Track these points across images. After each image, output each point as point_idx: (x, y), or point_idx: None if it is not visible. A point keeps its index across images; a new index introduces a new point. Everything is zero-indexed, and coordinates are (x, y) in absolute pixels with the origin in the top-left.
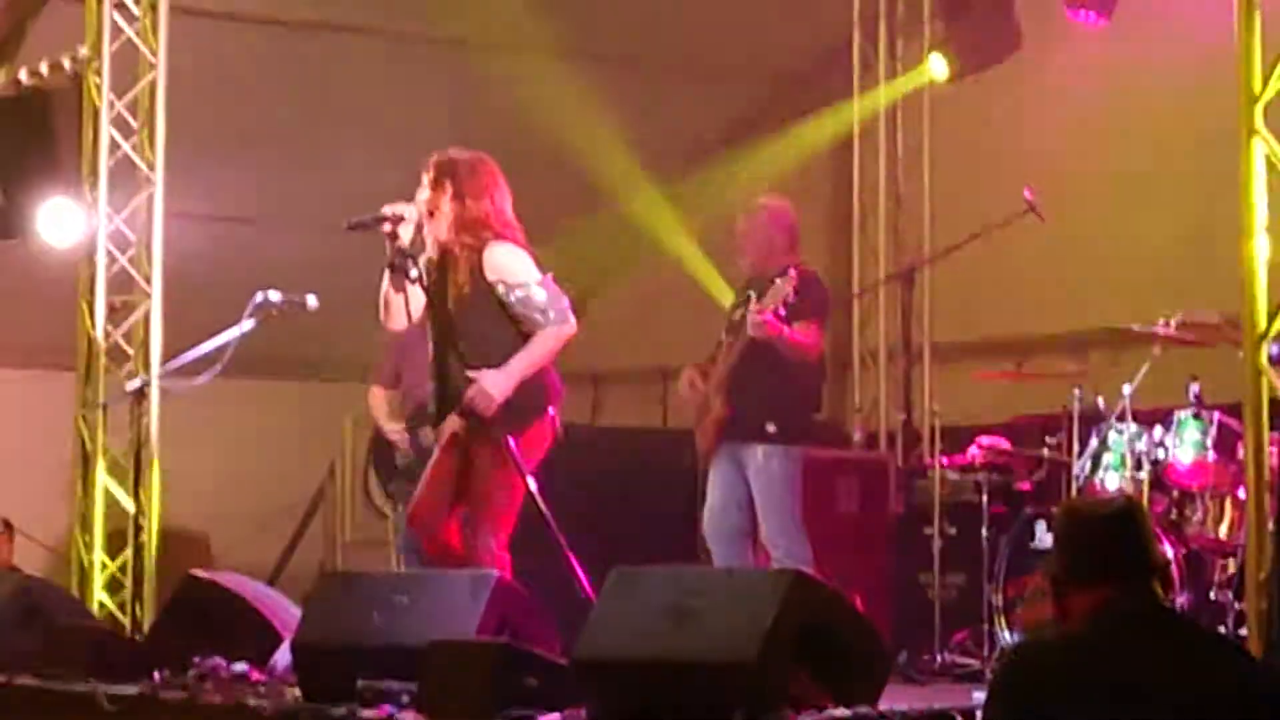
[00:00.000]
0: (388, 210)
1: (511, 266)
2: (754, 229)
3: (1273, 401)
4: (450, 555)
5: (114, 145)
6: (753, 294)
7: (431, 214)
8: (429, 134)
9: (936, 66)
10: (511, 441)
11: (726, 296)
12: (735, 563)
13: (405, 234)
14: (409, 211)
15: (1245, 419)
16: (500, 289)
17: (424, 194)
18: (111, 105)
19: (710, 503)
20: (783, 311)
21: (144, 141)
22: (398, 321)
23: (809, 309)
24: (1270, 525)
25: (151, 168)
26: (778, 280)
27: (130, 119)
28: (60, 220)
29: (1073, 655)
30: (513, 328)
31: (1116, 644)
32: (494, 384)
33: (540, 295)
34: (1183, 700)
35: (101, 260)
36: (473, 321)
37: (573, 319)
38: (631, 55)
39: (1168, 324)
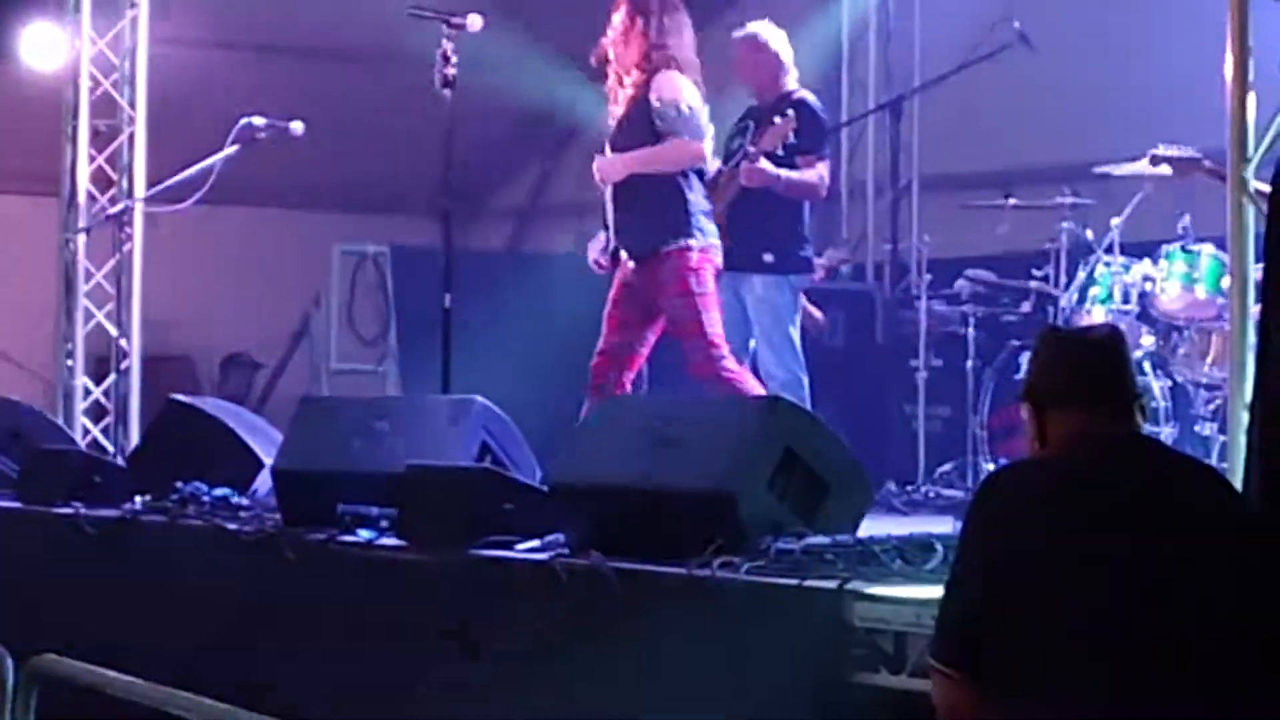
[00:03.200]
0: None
1: (670, 86)
2: (744, 55)
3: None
4: None
5: None
6: (751, 124)
7: (620, 42)
8: None
9: None
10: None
11: None
12: None
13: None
14: (473, 21)
15: (1229, 250)
16: (655, 104)
17: (617, 18)
18: None
19: None
20: (781, 152)
21: None
22: None
23: (810, 144)
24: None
25: None
26: (776, 119)
27: None
28: (43, 44)
29: (1050, 478)
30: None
31: (1095, 468)
32: (611, 159)
33: (680, 112)
34: (1160, 524)
35: (85, 85)
36: (629, 140)
37: (703, 145)
38: None
39: (1156, 156)
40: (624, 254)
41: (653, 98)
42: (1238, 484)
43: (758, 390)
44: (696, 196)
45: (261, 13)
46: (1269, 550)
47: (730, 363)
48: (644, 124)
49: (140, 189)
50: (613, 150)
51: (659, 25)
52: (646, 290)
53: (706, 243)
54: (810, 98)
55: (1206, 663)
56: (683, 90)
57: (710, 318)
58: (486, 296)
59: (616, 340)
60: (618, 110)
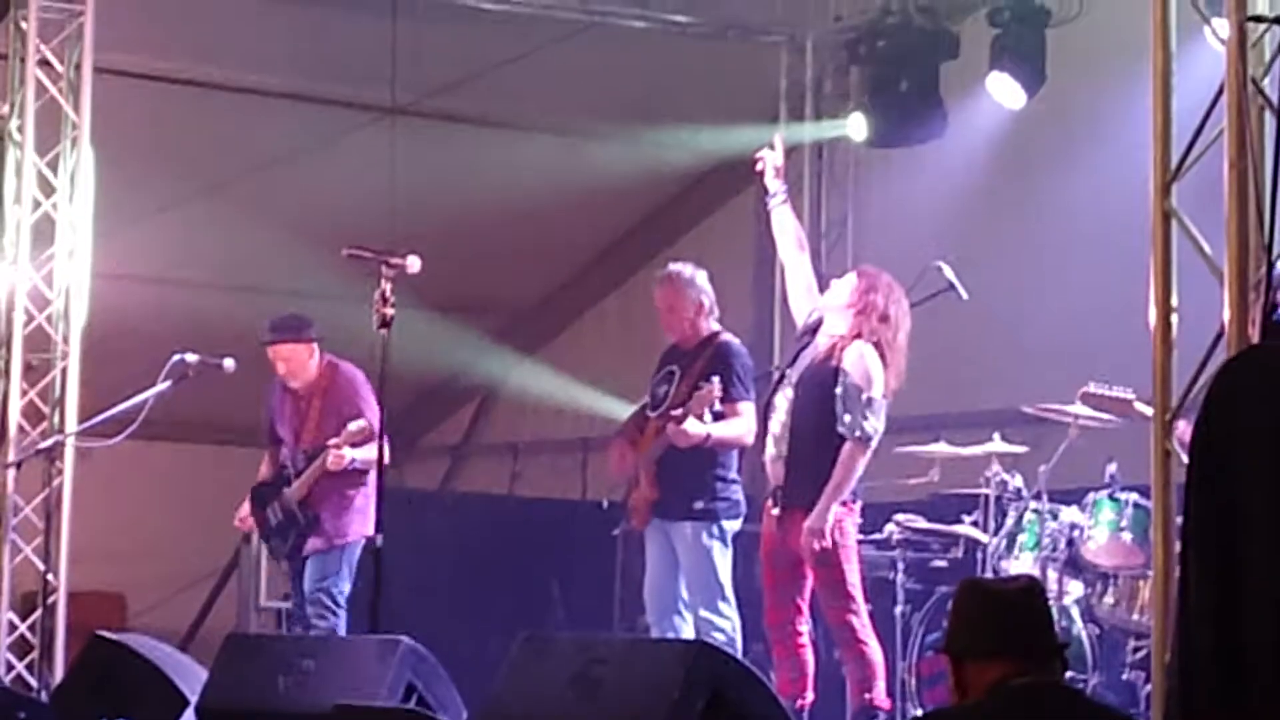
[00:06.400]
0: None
1: (860, 364)
2: (663, 298)
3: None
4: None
5: (34, 203)
6: (676, 370)
7: (845, 307)
8: (355, 199)
9: (856, 126)
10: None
11: None
12: (675, 635)
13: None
14: (411, 262)
15: (1153, 500)
16: (840, 375)
17: (844, 285)
18: (33, 164)
19: (649, 578)
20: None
21: (64, 200)
22: None
23: (735, 391)
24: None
25: (72, 227)
26: (703, 385)
27: (51, 177)
28: None
29: None
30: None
31: (1013, 718)
32: (818, 516)
33: (863, 406)
34: None
35: (19, 319)
36: (808, 398)
37: (874, 444)
38: (569, 128)
39: (1087, 394)
40: (775, 505)
41: (842, 365)
42: None
43: (877, 650)
44: None
45: (195, 248)
46: None
47: (863, 618)
48: (825, 392)
49: (72, 423)
50: (792, 388)
51: (885, 299)
52: (791, 537)
53: (856, 498)
54: (733, 340)
55: None
56: (872, 372)
57: (851, 569)
58: (418, 535)
59: (777, 597)
60: (816, 348)
